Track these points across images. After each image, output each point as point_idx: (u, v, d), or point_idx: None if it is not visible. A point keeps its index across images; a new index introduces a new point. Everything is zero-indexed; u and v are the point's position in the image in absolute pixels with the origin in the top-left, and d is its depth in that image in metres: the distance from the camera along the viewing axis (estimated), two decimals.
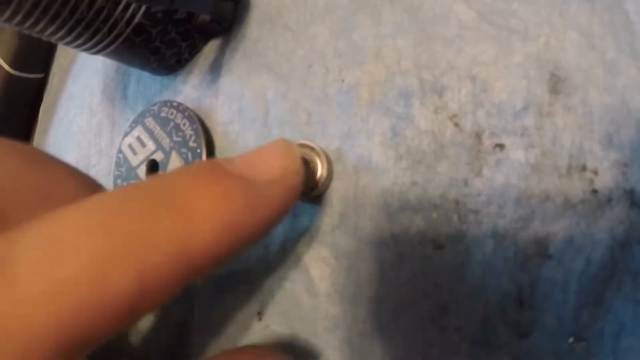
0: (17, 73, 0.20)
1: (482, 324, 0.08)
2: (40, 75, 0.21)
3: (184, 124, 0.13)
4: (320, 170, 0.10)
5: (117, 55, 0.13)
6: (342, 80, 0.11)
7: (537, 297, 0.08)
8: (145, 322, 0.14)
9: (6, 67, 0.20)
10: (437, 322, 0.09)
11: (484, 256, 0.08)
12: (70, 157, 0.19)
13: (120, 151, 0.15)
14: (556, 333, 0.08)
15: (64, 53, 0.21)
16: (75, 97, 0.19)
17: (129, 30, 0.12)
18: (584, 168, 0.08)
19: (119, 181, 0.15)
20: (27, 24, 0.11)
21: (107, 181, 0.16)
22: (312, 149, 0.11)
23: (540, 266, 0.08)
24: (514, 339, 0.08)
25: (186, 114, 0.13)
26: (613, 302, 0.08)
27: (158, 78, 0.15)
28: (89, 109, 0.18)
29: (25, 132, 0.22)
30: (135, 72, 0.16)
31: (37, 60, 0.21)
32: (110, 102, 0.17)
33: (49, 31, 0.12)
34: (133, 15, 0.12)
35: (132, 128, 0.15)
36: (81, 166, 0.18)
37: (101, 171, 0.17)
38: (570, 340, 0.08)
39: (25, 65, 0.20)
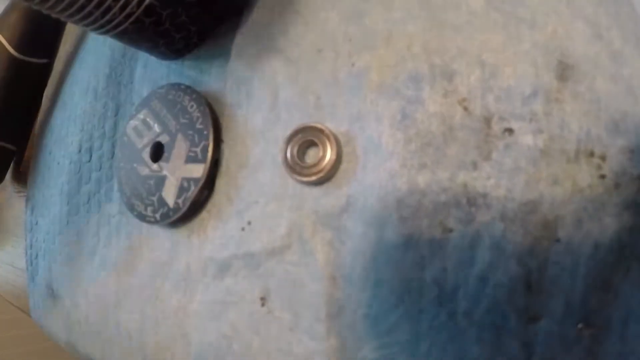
0: (22, 57, 0.20)
1: (491, 308, 0.08)
2: (45, 60, 0.21)
3: (191, 106, 0.13)
4: (329, 153, 0.10)
5: (126, 36, 0.13)
6: (352, 65, 0.11)
7: (545, 281, 0.08)
8: (145, 309, 0.14)
9: (11, 50, 0.19)
10: (445, 306, 0.09)
11: (492, 239, 0.08)
12: (73, 140, 0.18)
13: (124, 134, 0.15)
14: (565, 318, 0.08)
15: (70, 38, 0.21)
16: (81, 81, 0.19)
17: (140, 10, 0.12)
18: (591, 153, 0.08)
19: (122, 164, 0.15)
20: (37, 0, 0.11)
21: (110, 165, 0.16)
22: (321, 131, 0.11)
23: (548, 250, 0.08)
24: (522, 323, 0.08)
25: (194, 96, 0.13)
26: (621, 288, 0.08)
27: (165, 62, 0.15)
28: (94, 92, 0.18)
29: (29, 115, 0.22)
30: (142, 57, 0.16)
31: (42, 44, 0.21)
32: (116, 86, 0.17)
33: (59, 8, 0.12)
34: None
35: (138, 111, 0.14)
36: (84, 149, 0.18)
37: (104, 155, 0.16)
38: (580, 326, 0.08)
39: (31, 49, 0.20)
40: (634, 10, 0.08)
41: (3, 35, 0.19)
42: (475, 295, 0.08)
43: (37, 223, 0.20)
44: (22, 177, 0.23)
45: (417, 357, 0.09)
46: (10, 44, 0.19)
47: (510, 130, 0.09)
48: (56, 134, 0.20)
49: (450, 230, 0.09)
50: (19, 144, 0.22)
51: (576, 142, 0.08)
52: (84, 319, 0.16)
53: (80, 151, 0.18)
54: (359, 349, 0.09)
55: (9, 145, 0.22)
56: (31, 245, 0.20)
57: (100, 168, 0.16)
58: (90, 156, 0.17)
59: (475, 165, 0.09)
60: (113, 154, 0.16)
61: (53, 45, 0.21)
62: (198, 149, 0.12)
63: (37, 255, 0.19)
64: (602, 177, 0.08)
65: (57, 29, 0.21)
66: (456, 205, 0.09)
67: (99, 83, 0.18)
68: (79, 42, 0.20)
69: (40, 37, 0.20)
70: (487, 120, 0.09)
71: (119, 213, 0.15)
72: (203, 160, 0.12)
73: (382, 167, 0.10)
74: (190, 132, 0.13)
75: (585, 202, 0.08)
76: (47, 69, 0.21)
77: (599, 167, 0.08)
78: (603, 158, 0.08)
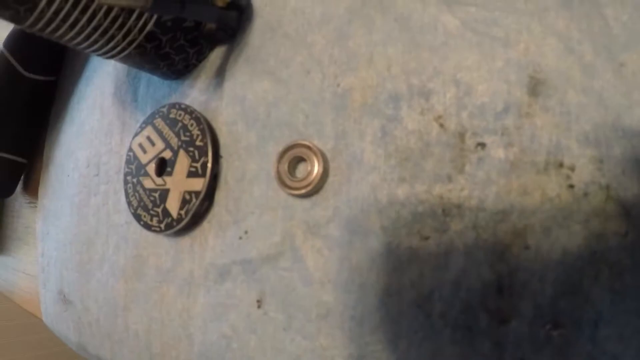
0: (30, 75, 0.21)
1: (464, 310, 0.09)
2: (52, 78, 0.22)
3: (192, 125, 0.14)
4: (317, 168, 0.11)
5: (129, 60, 0.14)
6: (337, 85, 0.12)
7: (515, 285, 0.09)
8: (152, 312, 0.15)
9: (20, 69, 0.20)
10: (422, 307, 0.09)
11: (465, 247, 0.09)
12: (82, 155, 0.19)
13: (130, 150, 0.16)
14: (534, 320, 0.08)
15: (76, 57, 0.22)
16: (87, 98, 0.20)
17: (141, 37, 0.13)
18: (561, 164, 0.09)
19: (128, 177, 0.16)
20: (48, 30, 0.12)
21: (117, 178, 0.17)
22: (309, 148, 0.11)
23: (518, 256, 0.09)
24: (494, 325, 0.09)
25: (193, 115, 0.14)
26: (591, 292, 0.08)
27: (167, 82, 0.16)
28: (100, 110, 0.19)
29: (38, 130, 0.23)
30: (145, 76, 0.17)
31: (49, 63, 0.21)
32: (121, 104, 0.18)
33: (67, 37, 0.13)
34: (145, 24, 0.13)
35: (142, 128, 0.15)
36: (92, 164, 0.19)
37: (112, 169, 0.17)
38: (548, 327, 0.08)
39: (38, 68, 0.21)
40: (607, 24, 0.09)
41: (12, 55, 0.20)
42: (449, 298, 0.09)
43: (48, 233, 0.21)
44: (33, 189, 0.24)
45: (398, 355, 0.09)
46: (18, 62, 0.20)
47: (482, 145, 0.09)
48: (65, 148, 0.21)
49: (427, 238, 0.10)
50: (29, 157, 0.24)
51: (545, 154, 0.09)
52: (95, 321, 0.17)
53: (88, 165, 0.19)
54: (346, 347, 0.10)
55: (19, 159, 0.23)
56: (43, 254, 0.21)
57: (108, 182, 0.17)
58: (98, 170, 0.18)
59: (450, 178, 0.10)
60: (119, 168, 0.17)
61: (59, 63, 0.22)
62: (198, 165, 0.13)
63: (48, 263, 0.20)
64: (571, 186, 0.09)
65: (62, 49, 0.22)
66: (432, 215, 0.10)
67: (104, 101, 0.19)
68: (85, 60, 0.21)
69: (47, 56, 0.21)
70: (462, 136, 0.10)
71: (126, 223, 0.16)
72: (203, 175, 0.13)
73: (365, 181, 0.11)
74: (191, 148, 0.14)
75: (554, 211, 0.09)
76: (53, 85, 0.22)
77: (568, 177, 0.09)
78: (572, 168, 0.09)
